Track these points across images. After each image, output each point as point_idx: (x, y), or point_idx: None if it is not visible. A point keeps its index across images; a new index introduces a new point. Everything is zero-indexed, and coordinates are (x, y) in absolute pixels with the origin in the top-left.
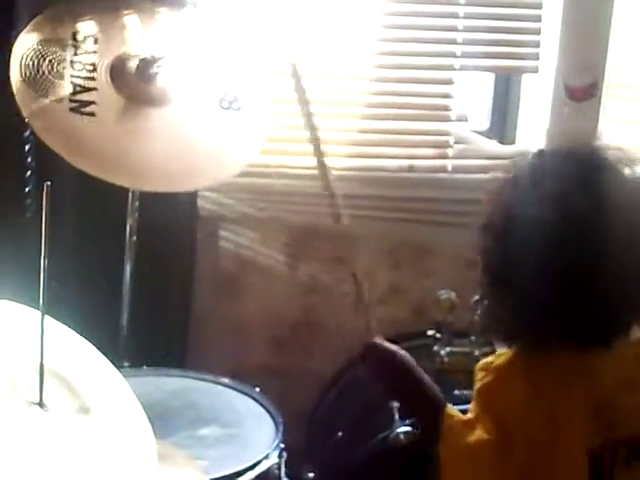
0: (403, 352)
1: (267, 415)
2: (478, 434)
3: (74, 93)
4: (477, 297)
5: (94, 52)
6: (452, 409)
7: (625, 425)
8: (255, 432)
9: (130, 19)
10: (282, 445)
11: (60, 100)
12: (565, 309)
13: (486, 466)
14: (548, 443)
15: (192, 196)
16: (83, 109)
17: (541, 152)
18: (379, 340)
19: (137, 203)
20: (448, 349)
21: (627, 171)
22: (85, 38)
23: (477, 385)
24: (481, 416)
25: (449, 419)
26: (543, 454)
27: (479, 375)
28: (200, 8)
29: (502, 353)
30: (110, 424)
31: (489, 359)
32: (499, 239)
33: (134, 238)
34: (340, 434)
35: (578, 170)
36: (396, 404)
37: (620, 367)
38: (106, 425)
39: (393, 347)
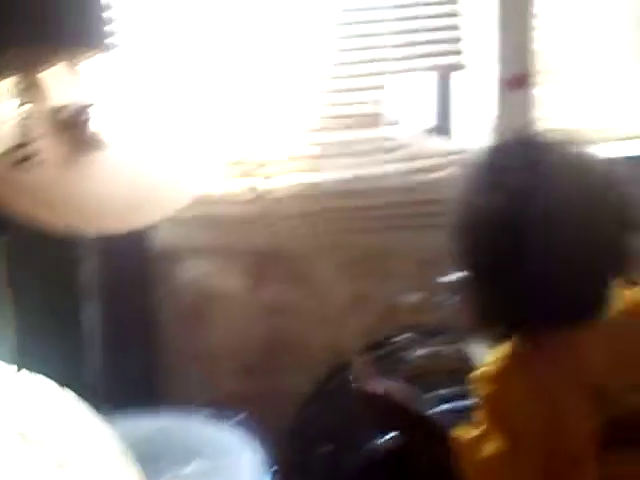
0: (396, 387)
1: (250, 442)
2: (492, 446)
3: (15, 147)
4: (442, 296)
5: (28, 104)
6: (459, 430)
7: (616, 406)
8: (241, 461)
9: (58, 69)
10: (273, 468)
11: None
12: (536, 290)
13: (506, 476)
14: (556, 433)
15: (145, 233)
16: (25, 162)
17: (488, 147)
18: (369, 385)
19: (92, 246)
20: (419, 352)
21: (574, 150)
22: (17, 91)
23: (480, 397)
24: (491, 427)
25: (458, 442)
26: (555, 446)
27: (478, 386)
28: (125, 48)
29: (494, 360)
30: (93, 475)
31: (484, 368)
32: (464, 236)
33: (93, 281)
34: (326, 448)
35: (526, 156)
36: None
37: (609, 345)
38: (90, 477)
39: (383, 388)
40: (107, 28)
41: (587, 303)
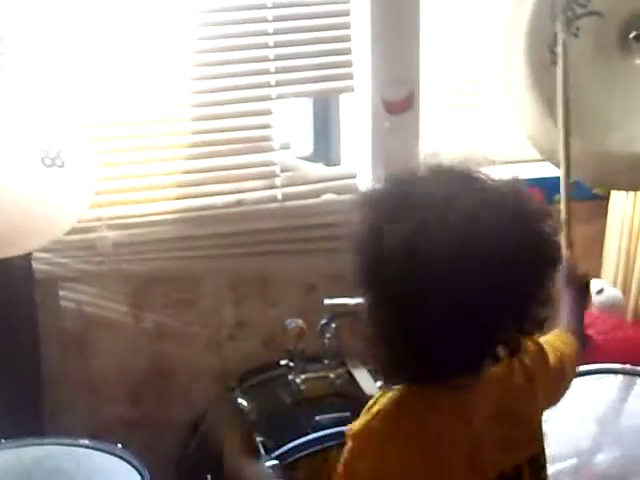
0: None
1: (133, 471)
2: None
3: None
4: (324, 321)
5: None
6: None
7: (494, 462)
8: None
9: None
10: None
11: None
12: (437, 330)
13: None
14: None
15: (26, 259)
16: None
17: (392, 177)
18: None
19: None
20: (303, 376)
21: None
22: None
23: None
24: None
25: None
26: None
27: (353, 441)
28: (10, 68)
29: (371, 415)
30: None
31: (362, 422)
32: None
33: None
34: (209, 477)
35: (441, 186)
36: (260, 438)
37: (488, 397)
38: None
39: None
40: None
41: (485, 350)
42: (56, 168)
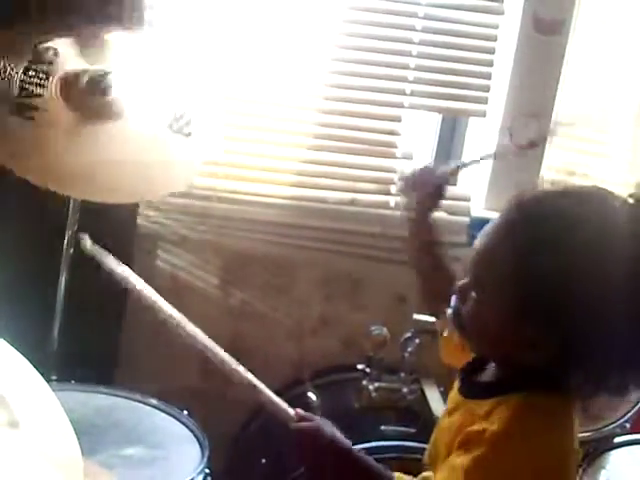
0: (334, 435)
1: (193, 439)
2: None
3: (20, 96)
4: (409, 334)
5: (51, 63)
6: (401, 476)
7: None
8: (180, 456)
9: (84, 35)
10: (207, 470)
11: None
12: None
13: None
14: None
15: (132, 213)
16: (24, 112)
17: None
18: (307, 424)
19: (77, 216)
20: (376, 384)
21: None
22: (46, 49)
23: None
24: None
25: None
26: None
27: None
28: (156, 28)
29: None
30: (38, 439)
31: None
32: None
33: (71, 251)
34: (264, 461)
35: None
36: None
37: None
38: (34, 440)
39: (326, 432)
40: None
41: None
42: (182, 136)
